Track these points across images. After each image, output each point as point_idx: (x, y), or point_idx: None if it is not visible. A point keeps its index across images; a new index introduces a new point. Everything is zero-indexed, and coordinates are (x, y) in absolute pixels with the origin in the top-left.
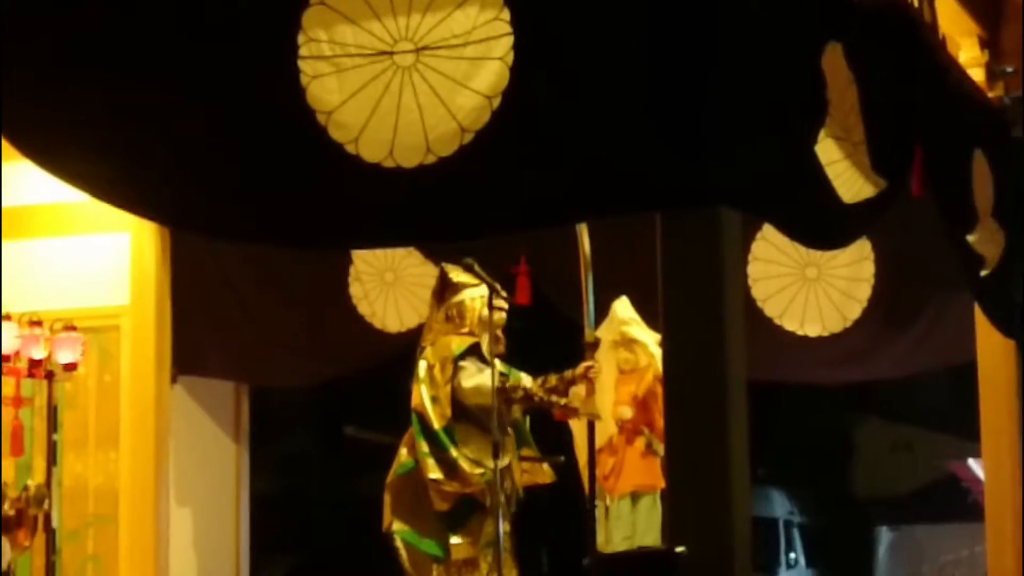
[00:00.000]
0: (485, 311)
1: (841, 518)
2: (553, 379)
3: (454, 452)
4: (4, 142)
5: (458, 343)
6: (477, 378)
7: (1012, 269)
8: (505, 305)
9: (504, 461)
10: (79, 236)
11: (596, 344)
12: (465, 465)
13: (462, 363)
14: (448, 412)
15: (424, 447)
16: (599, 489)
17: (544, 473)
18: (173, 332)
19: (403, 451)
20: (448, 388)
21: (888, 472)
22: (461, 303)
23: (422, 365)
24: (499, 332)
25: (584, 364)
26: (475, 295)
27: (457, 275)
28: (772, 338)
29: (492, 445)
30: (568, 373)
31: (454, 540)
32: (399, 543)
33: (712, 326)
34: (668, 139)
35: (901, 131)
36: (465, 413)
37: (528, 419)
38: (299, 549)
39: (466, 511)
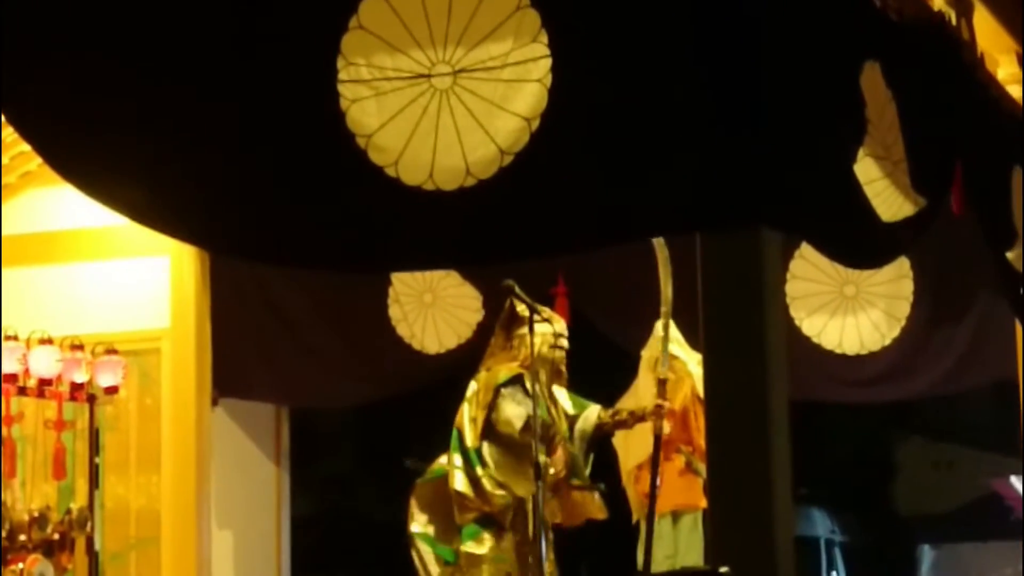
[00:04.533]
0: (545, 348)
1: (883, 537)
2: (624, 413)
3: (480, 471)
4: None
5: (505, 372)
6: (510, 409)
7: None
8: (565, 344)
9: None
10: (119, 260)
11: (666, 382)
12: (488, 485)
13: (504, 390)
14: (480, 434)
15: (456, 460)
16: (639, 507)
17: (596, 507)
18: (213, 355)
19: (442, 459)
20: (484, 412)
21: (930, 490)
22: (525, 336)
23: (472, 386)
24: (562, 367)
25: (656, 402)
26: (538, 331)
27: (523, 310)
28: (811, 357)
29: (533, 468)
30: (639, 410)
31: (465, 548)
32: (417, 544)
33: (753, 346)
34: (707, 160)
35: (941, 149)
36: (501, 438)
37: (591, 455)
38: (340, 571)
39: (483, 526)
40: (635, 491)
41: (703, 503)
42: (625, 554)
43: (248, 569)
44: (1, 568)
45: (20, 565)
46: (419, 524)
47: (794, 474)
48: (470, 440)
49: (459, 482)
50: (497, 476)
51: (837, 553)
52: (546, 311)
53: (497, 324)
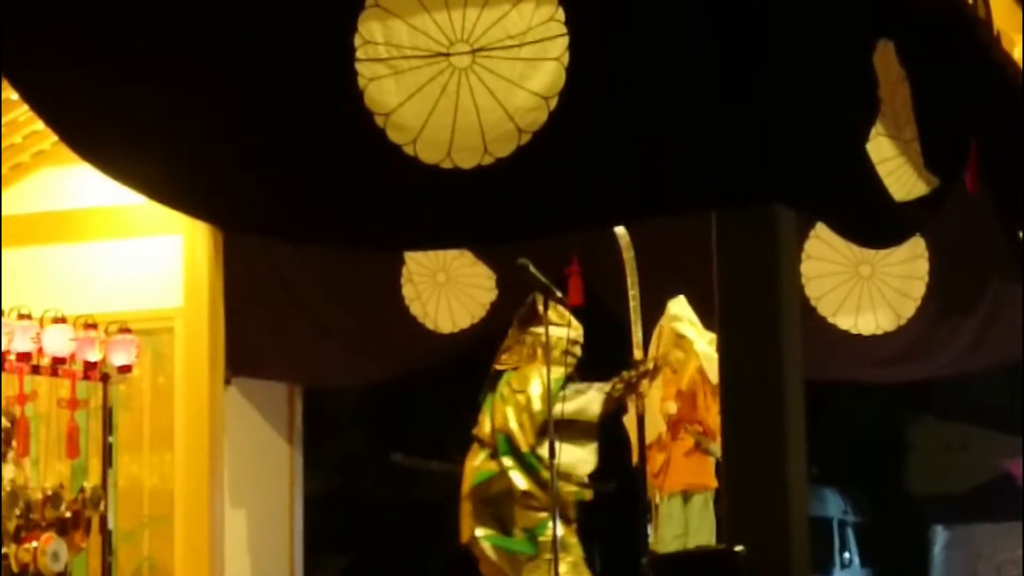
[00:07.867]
0: (558, 353)
1: (896, 517)
2: (619, 381)
3: (545, 473)
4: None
5: (556, 379)
6: (582, 400)
7: None
8: (579, 352)
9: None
10: (133, 239)
11: (642, 363)
12: (557, 483)
13: (563, 392)
14: (532, 438)
15: (509, 462)
16: (650, 487)
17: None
18: (226, 334)
19: (474, 463)
20: (539, 415)
21: (943, 471)
22: (540, 336)
23: (506, 387)
24: (570, 370)
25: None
26: (555, 334)
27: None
28: (826, 336)
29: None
30: (625, 374)
31: (545, 537)
32: (487, 548)
33: (768, 326)
34: (722, 138)
35: (954, 128)
36: (575, 429)
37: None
38: (352, 550)
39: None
40: (647, 471)
41: (713, 483)
42: (637, 533)
43: (261, 547)
44: (15, 546)
45: (34, 543)
46: (481, 528)
47: (807, 454)
48: (524, 445)
49: (523, 483)
50: (561, 470)
51: (849, 533)
52: (566, 315)
53: (515, 319)
